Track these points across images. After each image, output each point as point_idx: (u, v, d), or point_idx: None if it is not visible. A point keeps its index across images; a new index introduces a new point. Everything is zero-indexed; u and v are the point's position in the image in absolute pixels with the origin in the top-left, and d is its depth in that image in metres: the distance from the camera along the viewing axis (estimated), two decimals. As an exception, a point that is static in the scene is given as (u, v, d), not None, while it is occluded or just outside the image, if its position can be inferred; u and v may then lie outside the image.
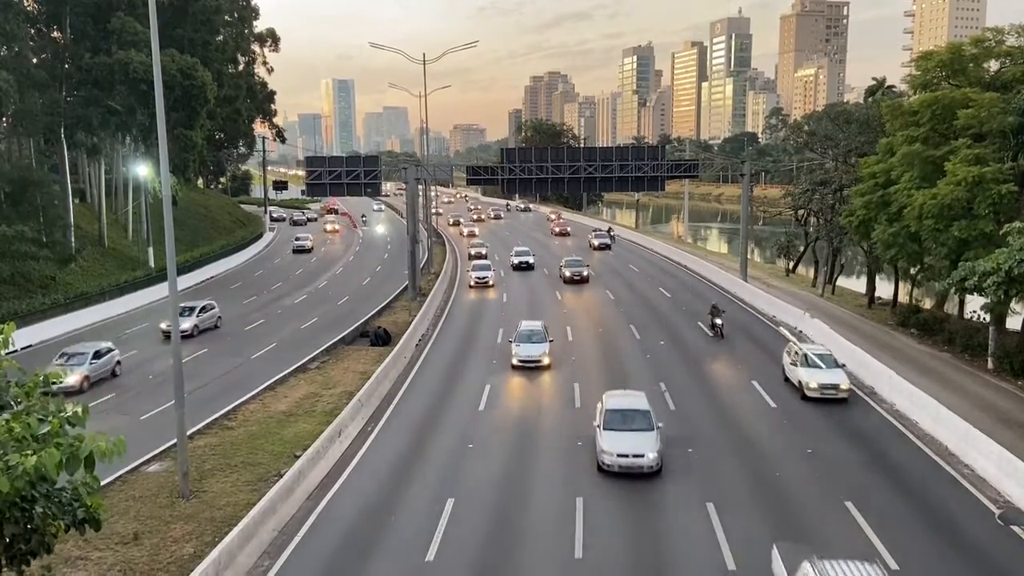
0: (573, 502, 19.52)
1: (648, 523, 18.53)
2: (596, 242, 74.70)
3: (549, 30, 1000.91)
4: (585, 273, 54.60)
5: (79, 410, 10.14)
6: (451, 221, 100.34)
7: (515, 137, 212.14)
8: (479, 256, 64.12)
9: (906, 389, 26.47)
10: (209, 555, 16.10)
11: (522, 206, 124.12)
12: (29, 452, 9.02)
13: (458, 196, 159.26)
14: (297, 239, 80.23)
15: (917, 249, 35.49)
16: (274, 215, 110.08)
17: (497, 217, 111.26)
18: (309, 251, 77.63)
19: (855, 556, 14.12)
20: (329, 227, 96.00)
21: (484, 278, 53.85)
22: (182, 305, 41.11)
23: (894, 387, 27.28)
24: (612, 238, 78.09)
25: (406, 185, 54.64)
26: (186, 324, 39.89)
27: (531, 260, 62.25)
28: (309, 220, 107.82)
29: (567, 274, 54.74)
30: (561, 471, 21.85)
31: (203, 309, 42.88)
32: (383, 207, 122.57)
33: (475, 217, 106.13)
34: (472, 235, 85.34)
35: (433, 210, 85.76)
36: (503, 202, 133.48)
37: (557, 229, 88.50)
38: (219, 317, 44.03)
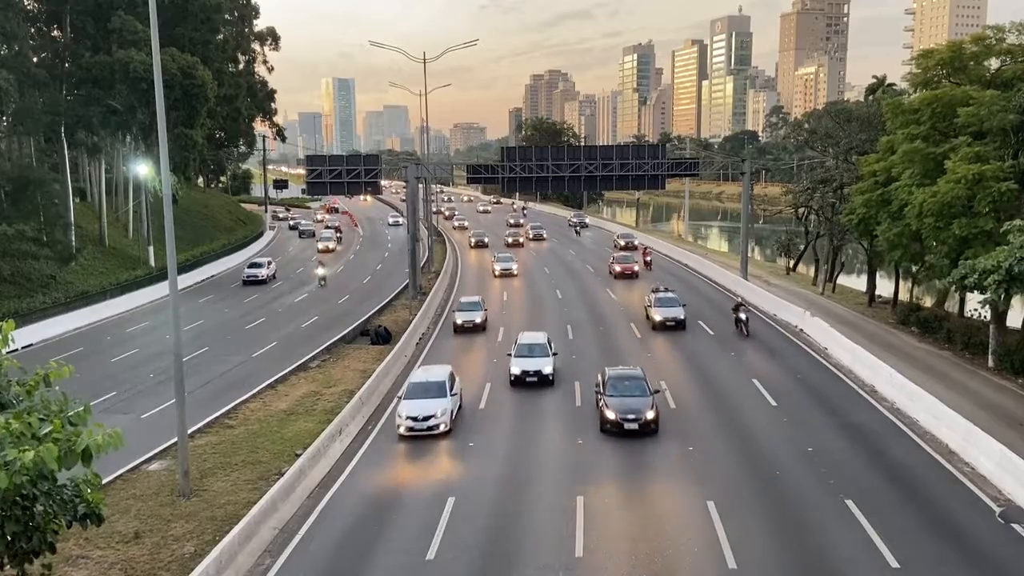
0: (574, 502, 19.52)
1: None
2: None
3: (550, 28, 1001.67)
4: None
5: (80, 409, 10.15)
6: (472, 242, 76.91)
7: (515, 136, 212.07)
8: None
9: (906, 387, 26.46)
10: (210, 554, 16.11)
11: (574, 219, 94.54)
12: (27, 448, 9.03)
13: (464, 199, 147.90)
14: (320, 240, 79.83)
15: (919, 249, 35.50)
16: (279, 215, 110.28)
17: (539, 238, 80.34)
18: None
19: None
20: (322, 245, 77.32)
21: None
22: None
23: (894, 385, 27.26)
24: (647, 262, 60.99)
25: (406, 184, 54.66)
26: None
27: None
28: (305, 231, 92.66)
29: None
30: (562, 470, 21.86)
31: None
32: (400, 219, 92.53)
33: (511, 239, 75.50)
34: (506, 274, 56.74)
35: (434, 210, 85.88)
36: (514, 203, 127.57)
37: (619, 268, 55.74)
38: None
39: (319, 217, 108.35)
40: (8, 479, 8.76)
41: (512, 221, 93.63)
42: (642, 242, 72.29)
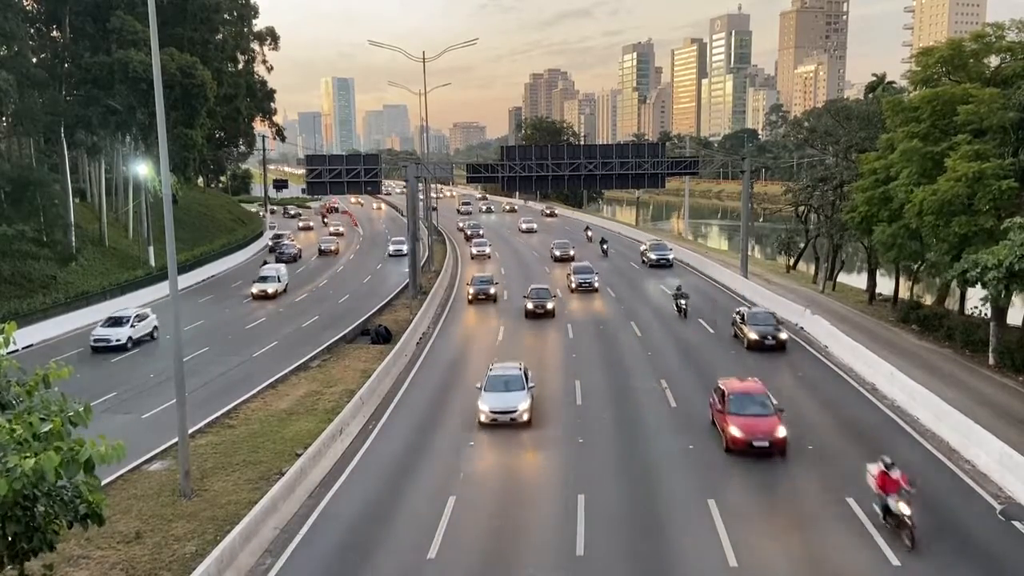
0: (575, 500, 19.53)
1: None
2: (653, 256, 59.69)
3: (550, 27, 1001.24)
4: None
5: (81, 409, 10.15)
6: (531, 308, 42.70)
7: (515, 135, 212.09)
8: None
9: (907, 385, 26.47)
10: (211, 554, 16.10)
11: (653, 256, 59.90)
12: (28, 454, 9.02)
13: (476, 197, 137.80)
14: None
15: (917, 248, 35.48)
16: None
17: (584, 290, 49.03)
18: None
19: None
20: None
21: None
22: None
23: (895, 383, 27.26)
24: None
25: (406, 183, 54.64)
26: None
27: None
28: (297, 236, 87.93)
29: None
30: (562, 468, 21.87)
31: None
32: (404, 247, 64.49)
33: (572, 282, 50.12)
34: None
35: (433, 206, 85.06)
36: (536, 205, 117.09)
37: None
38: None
39: (301, 225, 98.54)
40: (8, 486, 8.76)
41: (559, 252, 64.31)
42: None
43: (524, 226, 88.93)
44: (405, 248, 62.63)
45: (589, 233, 79.91)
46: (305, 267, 67.14)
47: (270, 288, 52.84)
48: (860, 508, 18.59)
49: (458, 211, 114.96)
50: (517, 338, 38.04)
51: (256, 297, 52.29)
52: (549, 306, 41.74)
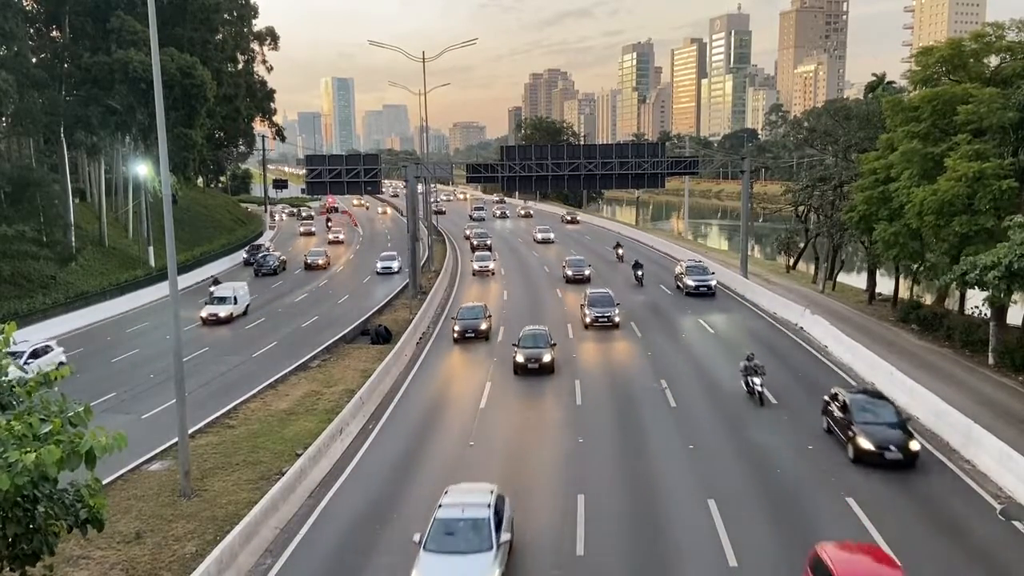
0: (575, 501, 19.52)
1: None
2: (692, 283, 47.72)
3: (549, 27, 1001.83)
4: None
5: (81, 409, 10.15)
6: None
7: (515, 135, 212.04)
8: None
9: (907, 384, 26.49)
10: (211, 554, 16.10)
11: (691, 283, 48.34)
12: (29, 449, 9.03)
13: (488, 199, 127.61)
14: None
15: (918, 247, 35.48)
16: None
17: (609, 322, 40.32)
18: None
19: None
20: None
21: None
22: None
23: (894, 382, 27.26)
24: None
25: (406, 183, 54.63)
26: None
27: None
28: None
29: None
30: (563, 467, 21.85)
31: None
32: (394, 264, 61.40)
33: None
34: None
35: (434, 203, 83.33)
36: (556, 209, 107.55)
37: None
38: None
39: (303, 230, 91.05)
40: (10, 480, 8.76)
41: (572, 272, 53.60)
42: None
43: (539, 236, 77.29)
44: (395, 265, 59.14)
45: (620, 251, 63.28)
46: (284, 281, 60.03)
47: (223, 311, 44.02)
48: (859, 508, 18.55)
49: (470, 216, 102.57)
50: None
51: (206, 322, 43.48)
52: (546, 359, 31.25)
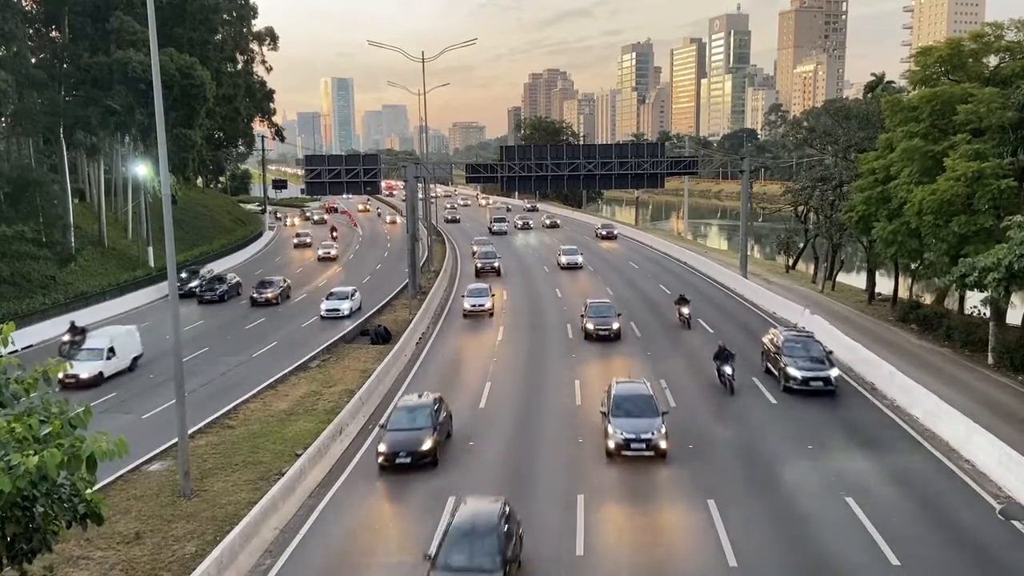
0: (574, 499, 19.52)
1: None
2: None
3: (549, 27, 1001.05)
4: None
5: (81, 411, 10.13)
6: None
7: (514, 135, 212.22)
8: None
9: (906, 384, 26.49)
10: (211, 554, 16.11)
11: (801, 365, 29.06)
12: (31, 452, 9.02)
13: (490, 203, 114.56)
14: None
15: (917, 246, 35.50)
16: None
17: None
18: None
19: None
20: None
21: None
22: None
23: (894, 382, 27.28)
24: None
25: (406, 183, 54.60)
26: None
27: None
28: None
29: None
30: (563, 467, 21.86)
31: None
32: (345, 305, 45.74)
33: None
34: None
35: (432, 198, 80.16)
36: (592, 220, 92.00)
37: None
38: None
39: (300, 237, 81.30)
40: (12, 483, 8.76)
41: (593, 325, 37.00)
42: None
43: (564, 260, 59.71)
44: (345, 307, 44.58)
45: (686, 312, 39.80)
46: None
47: (85, 372, 31.73)
48: (859, 507, 18.59)
49: (489, 230, 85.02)
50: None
51: (64, 384, 29.74)
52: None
